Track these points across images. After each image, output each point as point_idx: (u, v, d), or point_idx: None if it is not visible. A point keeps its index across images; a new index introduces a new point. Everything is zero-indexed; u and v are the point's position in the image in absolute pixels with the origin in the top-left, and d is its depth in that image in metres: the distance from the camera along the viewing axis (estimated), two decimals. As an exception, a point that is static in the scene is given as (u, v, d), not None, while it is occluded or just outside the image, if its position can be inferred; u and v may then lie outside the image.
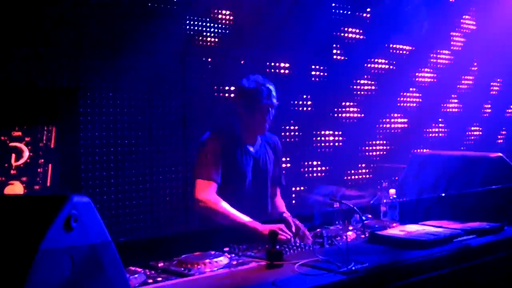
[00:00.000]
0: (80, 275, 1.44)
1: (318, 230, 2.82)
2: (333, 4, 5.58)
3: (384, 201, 3.16)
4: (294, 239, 2.71)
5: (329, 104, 5.58)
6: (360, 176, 5.87)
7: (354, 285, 2.07)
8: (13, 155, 3.45)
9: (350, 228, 2.98)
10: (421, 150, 6.45)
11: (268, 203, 3.21)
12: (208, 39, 4.62)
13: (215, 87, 4.60)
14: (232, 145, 3.05)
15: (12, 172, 3.44)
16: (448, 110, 6.92)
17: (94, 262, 1.47)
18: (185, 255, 2.35)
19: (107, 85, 4.02)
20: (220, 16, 4.70)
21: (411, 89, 6.46)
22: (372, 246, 2.57)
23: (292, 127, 5.25)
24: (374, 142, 6.05)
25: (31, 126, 3.51)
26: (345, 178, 5.73)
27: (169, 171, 4.34)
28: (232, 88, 3.08)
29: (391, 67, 6.16)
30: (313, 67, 5.44)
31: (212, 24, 4.64)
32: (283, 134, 5.16)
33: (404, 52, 6.32)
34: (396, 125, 6.28)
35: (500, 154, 3.63)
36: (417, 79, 6.54)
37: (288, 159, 5.15)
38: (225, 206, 2.86)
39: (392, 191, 3.14)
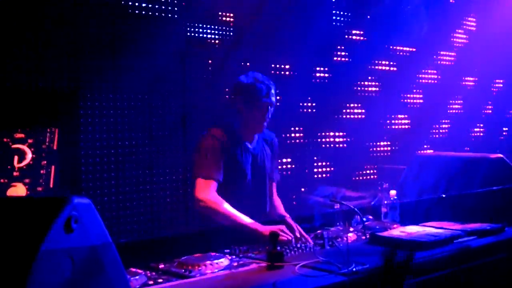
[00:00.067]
0: (81, 277, 1.44)
1: (318, 231, 2.82)
2: (334, 7, 5.59)
3: (385, 202, 3.16)
4: (296, 242, 2.70)
5: (332, 105, 5.59)
6: (365, 177, 5.88)
7: (355, 286, 2.07)
8: (16, 157, 3.44)
9: (351, 229, 2.97)
10: (425, 149, 6.49)
11: (267, 202, 3.20)
12: (209, 40, 4.62)
13: (216, 88, 4.59)
14: (232, 144, 3.02)
15: (15, 174, 3.44)
16: (451, 110, 6.94)
17: (95, 264, 1.47)
18: (185, 257, 2.35)
19: (107, 86, 4.01)
20: (221, 18, 4.69)
21: (414, 90, 6.48)
22: (373, 247, 2.56)
23: (296, 128, 5.26)
24: (379, 143, 6.07)
25: (33, 128, 3.50)
26: (352, 179, 5.74)
27: (169, 172, 4.33)
28: (237, 81, 3.07)
29: (392, 69, 6.17)
30: (316, 68, 5.45)
31: (213, 26, 4.64)
32: (287, 135, 5.17)
33: (407, 53, 6.33)
34: (400, 126, 6.30)
35: (501, 155, 3.64)
36: (420, 80, 6.56)
37: (289, 160, 5.16)
38: (226, 206, 2.84)
39: (393, 192, 3.14)
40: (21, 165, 3.45)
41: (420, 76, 6.56)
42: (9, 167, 3.42)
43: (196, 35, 4.55)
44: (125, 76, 4.07)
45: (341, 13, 5.64)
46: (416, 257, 2.32)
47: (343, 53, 5.67)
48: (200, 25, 4.57)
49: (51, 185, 3.52)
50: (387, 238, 2.62)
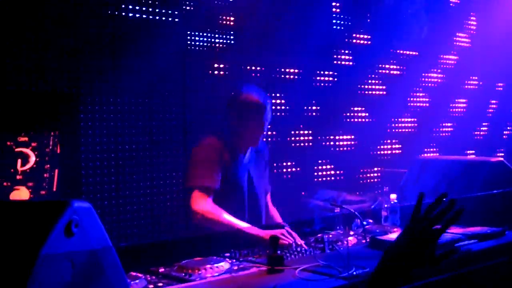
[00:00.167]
0: (81, 281, 1.43)
1: (319, 235, 2.81)
2: (338, 11, 5.62)
3: (385, 205, 3.15)
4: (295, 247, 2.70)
5: (338, 108, 5.62)
6: (372, 180, 5.89)
7: (355, 290, 2.06)
8: (19, 160, 3.44)
9: (351, 233, 2.97)
10: (432, 150, 6.51)
11: (263, 215, 3.16)
12: (210, 44, 4.63)
13: (217, 93, 4.60)
14: (228, 158, 2.97)
15: (18, 177, 3.44)
16: (455, 110, 6.97)
17: (95, 268, 1.47)
18: (186, 261, 2.34)
19: (107, 90, 4.02)
20: (223, 22, 4.69)
21: (419, 93, 6.53)
22: (373, 251, 2.56)
23: (302, 132, 5.28)
24: (384, 146, 6.09)
25: (37, 131, 3.50)
26: (360, 182, 5.76)
27: (170, 176, 4.33)
28: (233, 94, 3.03)
29: (396, 72, 6.20)
30: (320, 72, 5.48)
31: (214, 29, 4.64)
32: (293, 138, 5.19)
33: (410, 56, 6.36)
34: (406, 130, 6.32)
35: (501, 159, 3.64)
36: (424, 82, 6.59)
37: (294, 163, 5.17)
38: (225, 216, 2.79)
39: (393, 195, 3.14)
40: (24, 168, 3.44)
41: (425, 76, 6.60)
42: (12, 170, 3.42)
43: (198, 40, 4.55)
44: (126, 79, 4.07)
45: (345, 17, 5.67)
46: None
47: (347, 57, 5.70)
48: (202, 28, 4.57)
49: (54, 189, 3.52)
50: (387, 242, 2.62)
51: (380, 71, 6.06)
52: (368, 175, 5.90)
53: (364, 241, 2.79)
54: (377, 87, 6.01)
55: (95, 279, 1.48)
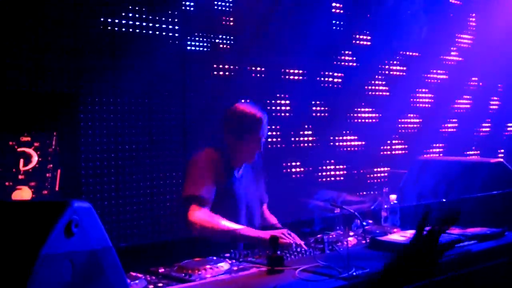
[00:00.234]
0: (81, 281, 1.44)
1: (319, 235, 2.81)
2: (342, 12, 5.64)
3: (385, 206, 3.16)
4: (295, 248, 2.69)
5: (343, 108, 5.64)
6: (378, 180, 5.90)
7: (355, 290, 2.07)
8: (21, 160, 3.44)
9: (351, 233, 2.98)
10: (436, 152, 6.55)
11: (257, 226, 3.08)
12: (210, 45, 4.62)
13: (217, 93, 4.59)
14: (224, 170, 2.94)
15: (20, 177, 3.43)
16: (459, 109, 7.00)
17: (95, 268, 1.47)
18: (186, 261, 2.35)
19: (107, 90, 4.02)
20: (225, 23, 4.69)
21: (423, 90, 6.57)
22: (373, 251, 2.56)
23: (307, 132, 5.29)
24: (390, 147, 6.11)
25: (39, 131, 3.50)
26: (367, 182, 5.78)
27: (169, 176, 4.33)
28: (228, 110, 2.99)
29: (400, 73, 6.23)
30: (325, 73, 5.50)
31: (215, 30, 4.64)
32: (298, 139, 5.21)
33: (413, 57, 6.38)
34: (411, 130, 6.35)
35: (501, 160, 3.64)
36: (427, 82, 6.62)
37: (298, 163, 5.18)
38: (223, 222, 2.74)
39: (393, 196, 3.14)
40: (26, 168, 3.44)
41: (427, 78, 6.62)
42: (14, 170, 3.41)
43: (198, 40, 4.55)
44: (126, 79, 4.07)
45: (345, 16, 5.68)
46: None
47: (350, 58, 5.73)
48: (202, 29, 4.56)
49: (56, 189, 3.52)
50: (387, 243, 2.62)
51: (383, 71, 6.07)
52: (375, 175, 5.92)
53: (364, 241, 2.79)
54: (381, 88, 6.03)
55: (95, 279, 1.48)
